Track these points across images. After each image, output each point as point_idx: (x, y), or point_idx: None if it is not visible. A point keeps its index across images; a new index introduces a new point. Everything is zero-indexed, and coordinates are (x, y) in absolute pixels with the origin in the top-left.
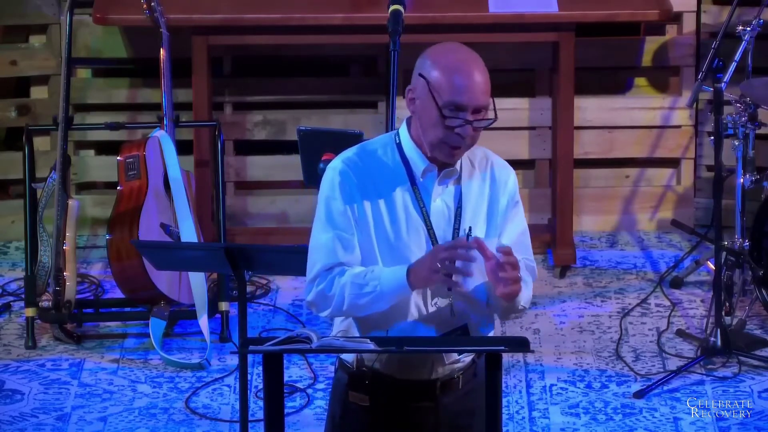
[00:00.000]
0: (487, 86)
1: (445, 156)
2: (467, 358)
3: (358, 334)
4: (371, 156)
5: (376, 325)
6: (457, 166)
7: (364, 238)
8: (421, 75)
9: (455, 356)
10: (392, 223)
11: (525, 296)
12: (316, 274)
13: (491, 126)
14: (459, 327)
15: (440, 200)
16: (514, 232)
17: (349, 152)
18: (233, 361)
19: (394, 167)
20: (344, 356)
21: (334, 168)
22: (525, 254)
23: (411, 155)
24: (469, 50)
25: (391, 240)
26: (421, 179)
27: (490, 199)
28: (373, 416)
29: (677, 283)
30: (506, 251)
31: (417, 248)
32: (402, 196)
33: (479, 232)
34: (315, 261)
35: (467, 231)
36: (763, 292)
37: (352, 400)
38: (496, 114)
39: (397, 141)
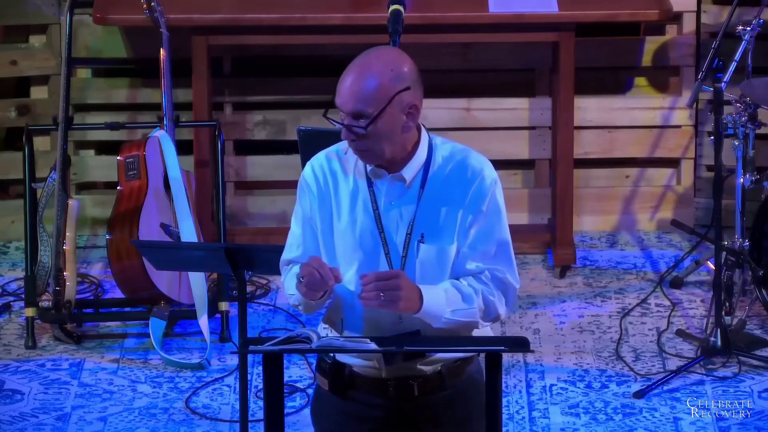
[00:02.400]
0: (364, 93)
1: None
2: (428, 368)
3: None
4: (341, 156)
5: (333, 321)
6: (406, 173)
7: (322, 238)
8: None
9: (400, 359)
10: (349, 224)
11: (470, 312)
12: (280, 267)
13: (492, 126)
14: (410, 332)
15: (395, 203)
16: (476, 239)
17: (322, 152)
18: (233, 361)
19: (358, 169)
20: None
21: (304, 168)
22: (488, 264)
23: None
24: (373, 54)
25: (337, 240)
26: (375, 181)
27: (454, 205)
28: (334, 400)
29: (677, 283)
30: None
31: (367, 250)
32: (361, 198)
33: (434, 238)
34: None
35: (420, 238)
36: (763, 292)
37: (318, 383)
38: (366, 128)
39: None
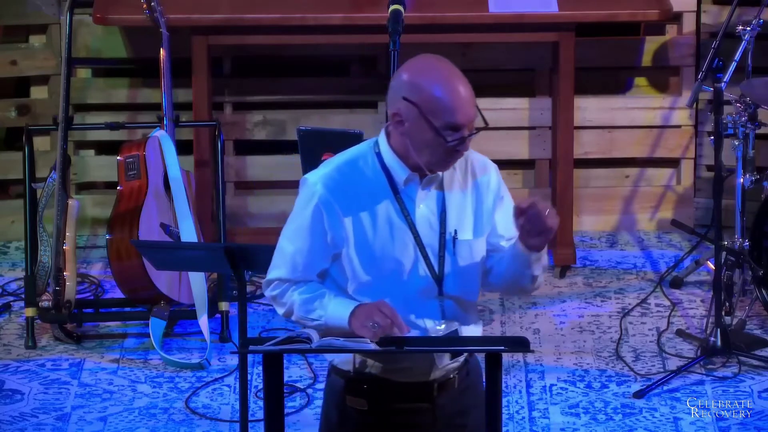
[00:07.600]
0: (472, 95)
1: (442, 168)
2: (461, 357)
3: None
4: (352, 168)
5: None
6: (431, 175)
7: (345, 254)
8: (405, 98)
9: (448, 358)
10: (376, 236)
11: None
12: (272, 280)
13: (492, 126)
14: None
15: (424, 206)
16: (506, 220)
17: (328, 168)
18: (233, 361)
19: (374, 178)
20: (339, 361)
21: (313, 185)
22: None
23: (391, 164)
24: (444, 62)
25: (375, 253)
26: (404, 187)
27: (476, 200)
28: (371, 419)
29: (677, 283)
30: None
31: (405, 257)
32: (385, 207)
33: (465, 233)
34: (275, 266)
35: (453, 234)
36: (763, 292)
37: (349, 405)
38: (484, 119)
39: (377, 150)
